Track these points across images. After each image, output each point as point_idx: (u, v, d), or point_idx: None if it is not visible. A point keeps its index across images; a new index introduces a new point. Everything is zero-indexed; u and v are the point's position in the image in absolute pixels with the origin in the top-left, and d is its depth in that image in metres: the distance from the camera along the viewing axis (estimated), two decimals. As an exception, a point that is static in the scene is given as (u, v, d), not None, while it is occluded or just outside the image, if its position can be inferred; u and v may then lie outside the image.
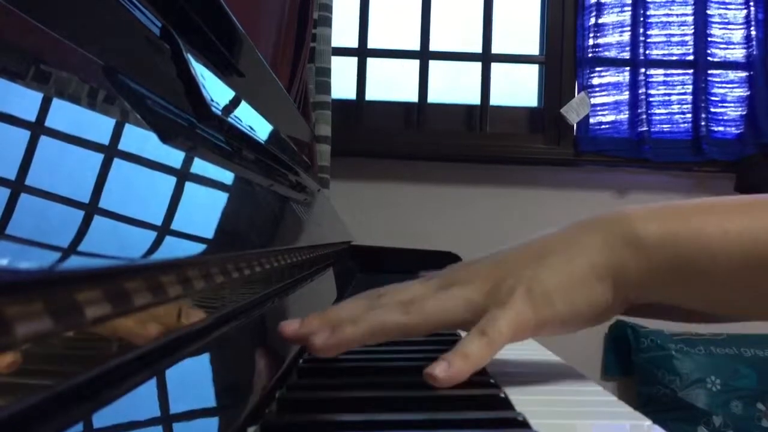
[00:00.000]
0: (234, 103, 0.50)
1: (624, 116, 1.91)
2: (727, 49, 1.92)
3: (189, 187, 0.32)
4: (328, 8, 1.56)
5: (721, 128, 1.91)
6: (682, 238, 0.39)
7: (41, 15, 0.24)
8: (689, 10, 1.92)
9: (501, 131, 1.94)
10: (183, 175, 0.32)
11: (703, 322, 0.46)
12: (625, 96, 1.91)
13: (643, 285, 0.40)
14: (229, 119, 0.46)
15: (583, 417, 0.34)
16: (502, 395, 0.35)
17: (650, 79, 1.91)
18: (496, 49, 1.95)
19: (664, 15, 1.92)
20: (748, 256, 0.38)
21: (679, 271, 0.39)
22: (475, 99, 1.94)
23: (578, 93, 1.91)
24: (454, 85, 2.00)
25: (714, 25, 1.92)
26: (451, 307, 0.40)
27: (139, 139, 0.29)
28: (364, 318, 0.40)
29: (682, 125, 1.91)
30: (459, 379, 0.36)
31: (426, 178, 1.93)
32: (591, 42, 1.91)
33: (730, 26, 1.92)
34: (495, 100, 1.95)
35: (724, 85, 1.92)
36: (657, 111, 1.91)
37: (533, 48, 2.02)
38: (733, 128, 1.91)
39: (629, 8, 1.91)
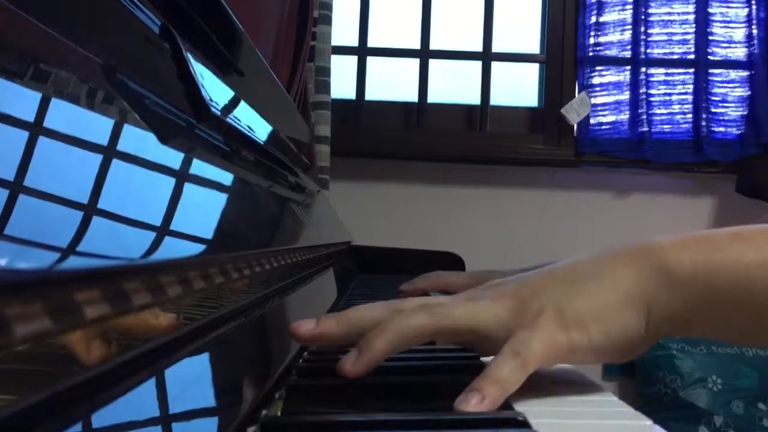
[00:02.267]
0: (233, 103, 0.50)
1: (624, 116, 1.91)
2: (728, 47, 1.92)
3: (188, 187, 0.32)
4: (328, 6, 1.56)
5: (722, 128, 1.90)
6: (717, 270, 0.38)
7: (40, 14, 0.24)
8: (690, 8, 1.91)
9: (501, 131, 1.94)
10: (182, 176, 0.32)
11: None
12: (626, 96, 1.91)
13: (678, 318, 0.39)
14: (229, 119, 0.46)
15: (583, 417, 0.34)
16: (503, 395, 0.35)
17: (651, 79, 1.90)
18: (496, 47, 1.95)
19: (665, 13, 1.92)
20: None
21: (715, 304, 0.38)
22: (475, 99, 1.94)
23: (579, 93, 1.91)
24: (454, 85, 2.00)
25: (715, 24, 1.91)
26: (479, 315, 0.39)
27: (138, 139, 0.29)
28: (389, 324, 0.38)
29: (682, 125, 1.91)
30: (492, 408, 0.34)
31: (426, 179, 1.93)
32: (592, 41, 1.91)
33: (731, 25, 1.92)
34: (495, 99, 1.95)
35: (725, 84, 1.92)
36: (657, 111, 1.91)
37: (534, 47, 2.02)
38: (734, 128, 1.91)
39: (630, 6, 1.90)
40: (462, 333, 0.39)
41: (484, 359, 0.41)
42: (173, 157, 0.32)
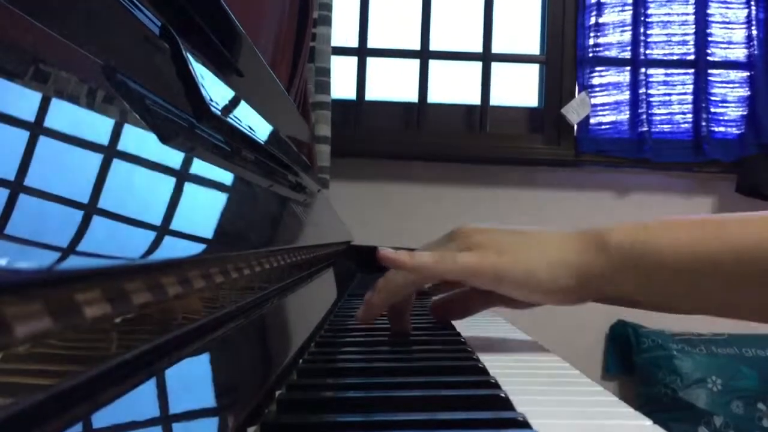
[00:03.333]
0: (233, 103, 0.50)
1: (624, 116, 1.91)
2: (727, 48, 1.92)
3: (188, 187, 0.32)
4: (328, 7, 1.56)
5: (721, 128, 1.90)
6: (638, 242, 0.49)
7: (40, 14, 0.24)
8: (690, 9, 1.92)
9: (501, 131, 1.94)
10: (182, 175, 0.32)
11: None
12: (626, 96, 1.91)
13: (603, 278, 0.50)
14: (229, 119, 0.46)
15: (583, 417, 0.34)
16: (503, 395, 0.35)
17: (651, 79, 1.91)
18: (496, 48, 1.95)
19: (664, 14, 1.92)
20: (692, 260, 0.47)
21: (632, 269, 0.49)
22: (475, 99, 1.94)
23: (579, 93, 1.91)
24: (455, 85, 2.00)
25: (715, 25, 1.92)
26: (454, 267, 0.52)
27: (138, 138, 0.29)
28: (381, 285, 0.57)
29: (682, 125, 1.91)
30: (391, 261, 0.54)
31: (426, 179, 1.93)
32: (591, 41, 1.91)
33: (730, 26, 1.92)
34: (495, 100, 1.95)
35: (724, 85, 1.92)
36: (657, 111, 1.91)
37: (534, 47, 2.02)
38: (733, 128, 1.91)
39: (630, 7, 1.91)
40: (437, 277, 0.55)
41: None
42: (173, 157, 0.32)
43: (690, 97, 1.91)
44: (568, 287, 0.50)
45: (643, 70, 1.89)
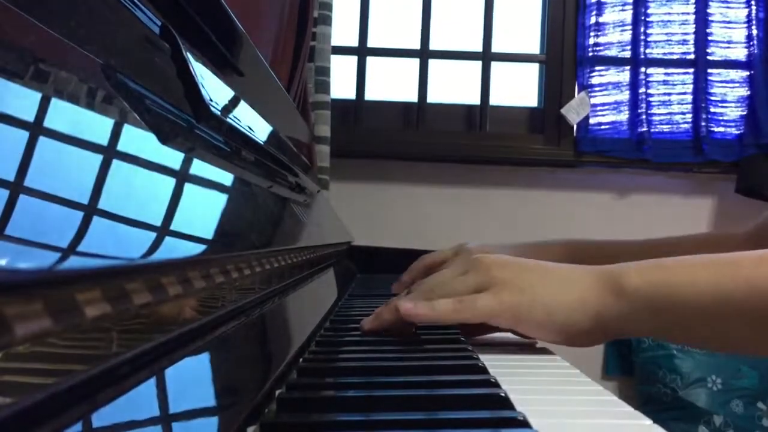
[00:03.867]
0: (233, 103, 0.50)
1: (624, 116, 1.91)
2: (727, 48, 1.92)
3: (188, 187, 0.32)
4: (329, 6, 1.56)
5: (721, 128, 1.90)
6: (656, 286, 0.50)
7: (40, 14, 0.24)
8: (690, 8, 1.92)
9: (501, 131, 1.94)
10: (182, 176, 0.32)
11: None
12: (626, 96, 1.91)
13: (621, 321, 0.50)
14: (228, 119, 0.46)
15: (583, 417, 0.34)
16: (503, 394, 0.35)
17: (650, 79, 1.91)
18: (496, 47, 1.95)
19: (664, 14, 1.92)
20: (710, 301, 0.48)
21: (650, 311, 0.50)
22: (475, 99, 1.94)
23: (578, 93, 1.91)
24: (454, 85, 2.00)
25: (714, 24, 1.91)
26: (459, 292, 0.53)
27: (138, 139, 0.29)
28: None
29: (682, 125, 1.91)
30: (413, 317, 0.52)
31: (426, 179, 1.93)
32: (591, 41, 1.91)
33: (730, 25, 1.92)
34: (495, 100, 1.95)
35: (724, 84, 1.92)
36: (657, 111, 1.91)
37: (533, 47, 2.02)
38: (733, 128, 1.91)
39: (630, 7, 1.90)
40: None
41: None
42: (173, 157, 0.32)
43: (690, 97, 1.91)
44: (585, 330, 0.51)
45: (642, 69, 1.88)
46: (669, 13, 1.92)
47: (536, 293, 0.51)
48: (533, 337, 0.55)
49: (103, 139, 0.25)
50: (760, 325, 0.47)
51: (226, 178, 0.42)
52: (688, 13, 1.92)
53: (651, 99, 1.90)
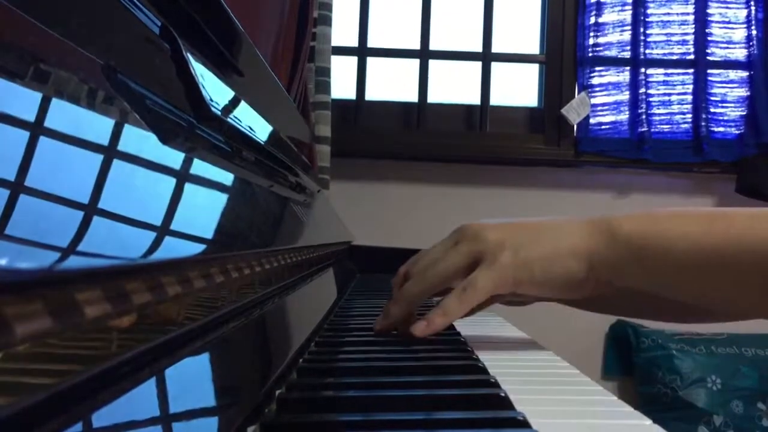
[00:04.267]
0: (233, 103, 0.50)
1: (624, 116, 1.91)
2: (727, 48, 1.92)
3: (188, 187, 0.32)
4: (329, 7, 1.56)
5: (721, 128, 1.90)
6: (648, 233, 0.49)
7: (40, 14, 0.24)
8: (690, 9, 1.92)
9: (501, 131, 1.94)
10: (182, 176, 0.32)
11: (672, 321, 0.58)
12: (626, 96, 1.91)
13: (613, 267, 0.50)
14: (229, 119, 0.46)
15: (583, 417, 0.34)
16: (502, 394, 0.35)
17: (650, 79, 1.91)
18: (496, 48, 1.95)
19: (664, 14, 1.92)
20: (700, 254, 0.48)
21: (641, 260, 0.49)
22: (475, 99, 1.94)
23: (578, 93, 1.91)
24: (454, 85, 2.00)
25: (714, 25, 1.92)
26: (453, 263, 0.53)
27: (138, 139, 0.29)
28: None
29: (682, 125, 1.91)
30: (436, 331, 0.52)
31: (426, 179, 1.93)
32: (591, 41, 1.91)
33: (730, 25, 1.92)
34: (495, 100, 1.95)
35: (724, 85, 1.92)
36: (657, 111, 1.91)
37: (533, 47, 2.02)
38: (733, 128, 1.91)
39: (629, 7, 1.91)
40: (443, 280, 0.55)
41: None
42: (173, 157, 0.32)
43: (690, 97, 1.91)
44: (580, 278, 0.51)
45: (642, 69, 1.89)
46: (668, 14, 1.92)
47: (531, 251, 0.51)
48: (533, 296, 0.54)
49: (104, 139, 0.25)
50: (745, 282, 0.47)
51: (227, 177, 0.42)
52: (687, 14, 1.92)
53: (651, 99, 1.90)
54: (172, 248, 0.27)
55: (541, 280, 0.51)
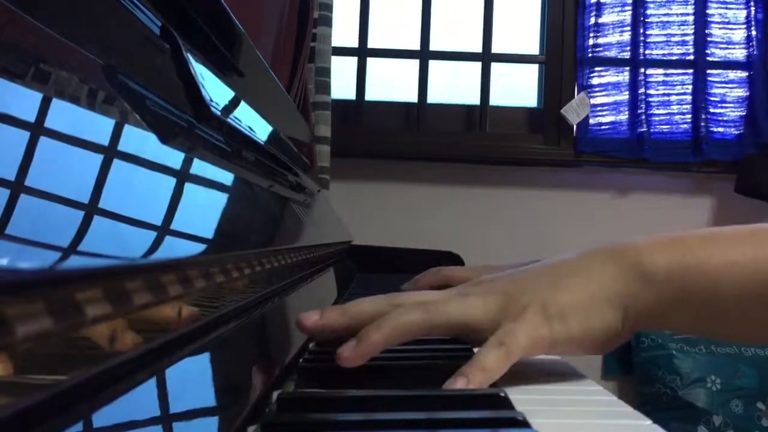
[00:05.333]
0: (234, 104, 0.50)
1: (623, 117, 1.91)
2: (727, 49, 1.92)
3: (188, 187, 0.32)
4: (329, 7, 1.56)
5: (720, 129, 1.91)
6: (689, 271, 0.42)
7: (40, 14, 0.24)
8: (689, 9, 1.92)
9: (501, 131, 1.94)
10: (182, 176, 0.32)
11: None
12: (625, 96, 1.91)
13: (652, 315, 0.43)
14: (229, 119, 0.46)
15: (583, 417, 0.34)
16: (502, 394, 0.35)
17: (650, 79, 1.91)
18: (496, 48, 1.95)
19: (664, 15, 1.92)
20: (752, 286, 0.41)
21: (686, 302, 0.42)
22: (474, 99, 1.94)
23: (578, 93, 1.91)
24: (454, 85, 2.00)
25: (714, 25, 1.92)
26: (470, 310, 0.43)
27: (138, 139, 0.29)
28: (387, 319, 0.41)
29: (681, 126, 1.91)
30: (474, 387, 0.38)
31: (426, 179, 1.93)
32: (591, 42, 1.91)
33: (730, 26, 1.92)
34: (495, 100, 1.95)
35: (723, 85, 1.92)
36: (656, 111, 1.91)
37: (533, 48, 2.02)
38: (732, 129, 1.91)
39: (629, 8, 1.91)
40: (454, 328, 0.43)
41: (476, 349, 0.43)
42: (174, 157, 0.32)
43: (689, 98, 1.91)
44: (619, 330, 0.43)
45: (642, 70, 1.89)
46: (668, 14, 1.92)
47: (559, 301, 0.42)
48: (565, 354, 0.45)
49: (104, 140, 0.25)
50: None
51: (227, 177, 0.42)
52: (687, 14, 1.92)
53: (651, 99, 1.90)
54: (172, 248, 0.27)
55: (580, 336, 0.42)
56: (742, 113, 1.91)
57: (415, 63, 1.94)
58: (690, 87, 1.91)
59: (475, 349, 0.42)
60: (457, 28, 2.01)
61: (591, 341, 0.43)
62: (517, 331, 0.41)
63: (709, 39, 1.91)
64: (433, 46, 1.94)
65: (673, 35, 1.92)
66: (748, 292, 0.41)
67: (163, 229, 0.27)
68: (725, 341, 0.46)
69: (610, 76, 1.92)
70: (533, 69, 2.02)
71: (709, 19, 1.91)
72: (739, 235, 0.43)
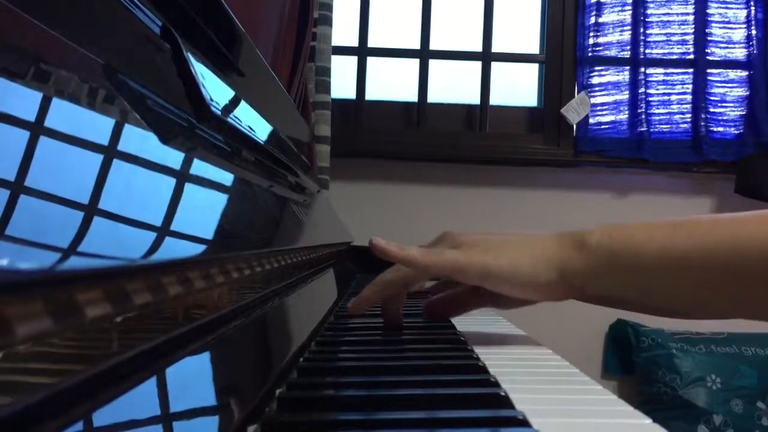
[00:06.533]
0: (234, 103, 0.50)
1: (624, 116, 1.91)
2: (727, 48, 1.92)
3: (189, 187, 0.32)
4: (329, 7, 1.56)
5: (720, 128, 1.91)
6: (616, 242, 0.51)
7: (40, 14, 0.24)
8: (689, 9, 1.92)
9: (501, 131, 1.94)
10: (182, 176, 0.32)
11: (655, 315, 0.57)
12: (625, 95, 1.91)
13: (585, 275, 0.52)
14: (229, 119, 0.46)
15: (582, 415, 0.34)
16: (502, 393, 0.35)
17: (650, 79, 1.91)
18: (496, 48, 1.95)
19: (664, 14, 1.92)
20: (665, 258, 0.49)
21: (612, 265, 0.51)
22: (474, 99, 1.94)
23: (578, 93, 1.91)
24: (454, 85, 2.00)
25: (714, 25, 1.92)
26: (433, 257, 0.55)
27: (138, 139, 0.29)
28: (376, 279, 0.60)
29: (681, 125, 1.91)
30: (382, 251, 0.57)
31: (426, 179, 1.93)
32: (591, 41, 1.91)
33: (730, 25, 1.92)
34: (495, 99, 1.95)
35: (723, 84, 1.92)
36: (656, 111, 1.91)
37: (533, 47, 2.02)
38: (732, 128, 1.91)
39: (629, 7, 1.91)
40: (424, 274, 0.58)
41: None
42: (174, 157, 0.32)
43: (689, 97, 1.91)
44: (550, 281, 0.52)
45: (642, 69, 1.89)
46: (668, 14, 1.92)
47: (501, 250, 0.53)
48: (505, 299, 0.57)
49: (104, 139, 0.25)
50: (708, 284, 0.48)
51: (227, 177, 0.42)
52: (687, 14, 1.92)
53: (650, 99, 1.90)
54: (172, 248, 0.27)
55: (507, 275, 0.52)
56: (742, 113, 1.91)
57: (415, 62, 1.94)
58: (690, 86, 1.91)
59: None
60: (457, 28, 2.01)
61: (518, 281, 0.52)
62: (448, 251, 0.54)
63: (709, 38, 1.91)
64: (433, 45, 1.94)
65: (673, 34, 1.92)
66: (663, 264, 0.49)
67: (163, 230, 0.27)
68: (646, 309, 0.55)
69: (610, 76, 1.92)
70: (533, 68, 2.02)
71: (709, 19, 1.91)
72: (667, 222, 0.51)
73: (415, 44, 1.94)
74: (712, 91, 1.91)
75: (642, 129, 1.87)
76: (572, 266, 0.52)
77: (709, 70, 1.90)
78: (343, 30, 1.88)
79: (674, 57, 1.93)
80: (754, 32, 1.89)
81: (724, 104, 1.91)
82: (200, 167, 0.36)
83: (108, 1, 0.33)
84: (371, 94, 1.95)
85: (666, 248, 0.49)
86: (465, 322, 0.63)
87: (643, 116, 1.88)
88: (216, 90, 0.44)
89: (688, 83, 1.91)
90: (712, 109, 1.90)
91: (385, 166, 1.91)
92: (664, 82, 1.92)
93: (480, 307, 0.63)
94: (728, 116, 1.91)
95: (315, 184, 1.13)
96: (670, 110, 1.92)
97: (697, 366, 1.76)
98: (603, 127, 1.91)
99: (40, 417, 0.17)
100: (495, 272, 0.53)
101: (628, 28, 1.91)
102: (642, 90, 1.88)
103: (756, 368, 1.77)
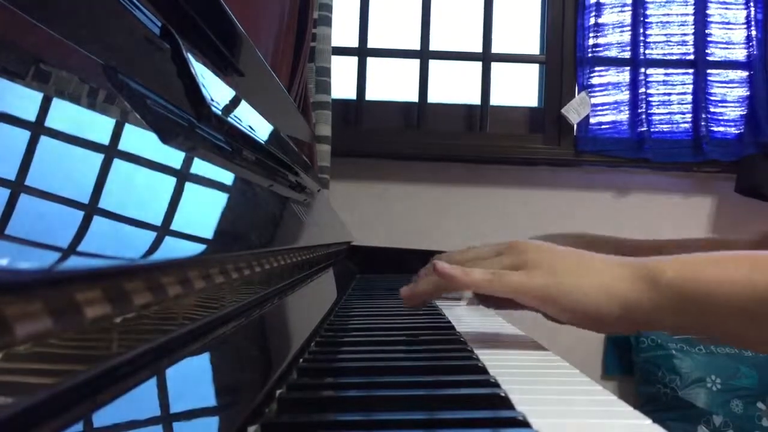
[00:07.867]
0: (234, 103, 0.50)
1: (624, 116, 1.91)
2: (727, 49, 1.92)
3: (189, 187, 0.32)
4: (329, 8, 1.56)
5: (721, 128, 1.90)
6: (688, 281, 0.50)
7: (41, 14, 0.24)
8: (689, 9, 1.92)
9: (501, 131, 1.94)
10: (183, 175, 0.32)
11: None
12: (625, 96, 1.91)
13: (652, 314, 0.51)
14: (229, 119, 0.46)
15: (582, 416, 0.34)
16: (502, 394, 0.35)
17: (650, 79, 1.91)
18: (496, 48, 1.95)
19: (663, 15, 1.92)
20: (738, 299, 0.49)
21: (682, 306, 0.50)
22: (475, 99, 1.94)
23: (578, 93, 1.91)
24: (455, 85, 2.00)
25: (714, 25, 1.92)
26: (512, 287, 0.53)
27: (138, 138, 0.29)
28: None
29: (682, 125, 1.91)
30: (447, 276, 0.54)
31: (426, 178, 1.93)
32: (591, 42, 1.91)
33: (729, 26, 1.92)
34: (495, 100, 1.95)
35: (724, 85, 1.92)
36: (657, 111, 1.91)
37: (533, 48, 2.02)
38: (733, 128, 1.91)
39: (629, 8, 1.91)
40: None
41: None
42: (174, 157, 0.32)
43: (689, 97, 1.91)
44: (611, 315, 0.51)
45: (642, 70, 1.89)
46: (668, 14, 1.92)
47: (567, 277, 0.52)
48: (559, 320, 0.55)
49: (104, 139, 0.25)
50: None
51: (227, 177, 0.42)
52: (687, 14, 1.92)
53: (651, 99, 1.90)
54: (172, 248, 0.27)
55: (567, 306, 0.52)
56: (742, 113, 1.91)
57: (415, 63, 1.94)
58: (690, 87, 1.91)
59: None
60: (457, 28, 2.01)
61: (576, 314, 0.52)
62: (512, 274, 0.53)
63: (709, 39, 1.91)
64: (433, 45, 1.94)
65: (673, 35, 1.92)
66: (737, 303, 0.49)
67: (163, 229, 0.27)
68: (714, 342, 0.57)
69: (611, 76, 1.92)
70: (533, 69, 2.02)
71: (709, 19, 1.91)
72: (740, 258, 0.51)
73: (415, 45, 1.94)
74: (713, 91, 1.91)
75: (642, 129, 1.87)
76: (641, 304, 0.51)
77: (709, 71, 1.90)
78: (343, 30, 1.88)
79: (674, 58, 1.93)
80: (754, 33, 1.89)
81: (724, 104, 1.91)
82: (200, 167, 0.36)
83: (108, 1, 0.33)
84: (371, 94, 1.95)
85: (742, 287, 0.49)
86: (465, 322, 0.63)
87: (644, 116, 1.88)
88: (216, 90, 0.44)
89: (688, 83, 1.91)
90: (712, 109, 1.90)
91: (385, 166, 1.91)
92: (665, 83, 1.92)
93: (522, 309, 0.59)
94: (728, 116, 1.91)
95: (315, 183, 1.13)
96: (670, 110, 1.92)
97: (697, 367, 1.76)
98: (603, 127, 1.91)
99: (40, 417, 0.17)
100: (555, 299, 0.52)
101: (628, 28, 1.91)
102: (642, 90, 1.88)
103: (756, 369, 1.77)
